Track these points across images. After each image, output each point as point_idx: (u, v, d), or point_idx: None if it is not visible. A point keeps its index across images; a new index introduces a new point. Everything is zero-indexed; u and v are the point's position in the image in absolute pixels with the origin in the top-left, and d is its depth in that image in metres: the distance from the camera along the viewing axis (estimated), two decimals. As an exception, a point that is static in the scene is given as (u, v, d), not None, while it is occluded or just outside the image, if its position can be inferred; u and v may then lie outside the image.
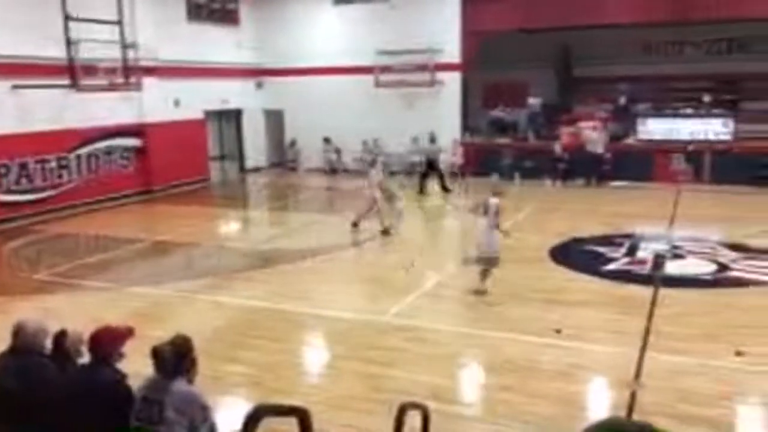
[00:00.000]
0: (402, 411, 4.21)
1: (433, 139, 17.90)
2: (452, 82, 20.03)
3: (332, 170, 21.10)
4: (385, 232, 12.38)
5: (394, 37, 19.85)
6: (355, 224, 12.77)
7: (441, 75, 19.85)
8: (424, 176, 17.48)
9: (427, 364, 6.68)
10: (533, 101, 20.23)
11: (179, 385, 3.47)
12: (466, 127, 20.36)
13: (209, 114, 20.38)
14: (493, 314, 8.18)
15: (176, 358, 3.50)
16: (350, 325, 7.90)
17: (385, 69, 20.23)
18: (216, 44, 20.15)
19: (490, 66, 19.44)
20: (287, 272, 10.37)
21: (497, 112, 20.62)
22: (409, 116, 20.16)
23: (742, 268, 9.79)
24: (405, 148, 20.27)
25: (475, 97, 20.93)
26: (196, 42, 19.06)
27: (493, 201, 8.78)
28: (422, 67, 19.91)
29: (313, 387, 6.44)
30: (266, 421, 3.53)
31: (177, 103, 18.57)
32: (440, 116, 19.86)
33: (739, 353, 6.69)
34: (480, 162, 19.21)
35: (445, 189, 17.38)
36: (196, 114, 19.47)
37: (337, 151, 21.10)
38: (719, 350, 6.81)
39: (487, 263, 8.85)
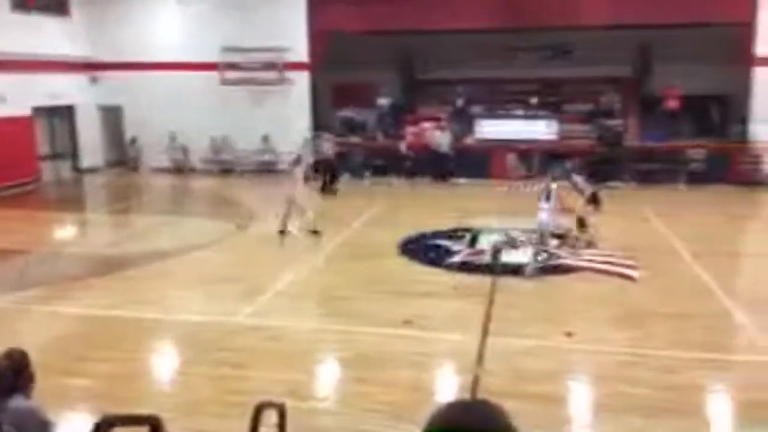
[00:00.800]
0: (258, 411, 4.21)
1: (317, 138, 17.71)
2: (301, 81, 20.07)
3: (178, 170, 20.34)
4: (315, 232, 12.05)
5: (240, 34, 19.51)
6: (281, 231, 12.09)
7: (290, 74, 19.82)
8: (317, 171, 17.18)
9: (283, 363, 6.71)
10: (383, 102, 20.78)
11: (17, 401, 3.25)
12: (318, 126, 20.49)
13: (39, 110, 18.79)
14: (347, 309, 8.37)
15: (12, 374, 3.29)
16: (200, 328, 7.72)
17: (232, 66, 19.81)
18: (45, 36, 18.62)
19: (338, 66, 19.69)
20: (133, 277, 9.89)
21: (347, 112, 20.95)
22: (258, 115, 19.94)
23: (569, 255, 10.76)
24: (255, 146, 20.07)
25: (325, 96, 21.10)
26: (21, 33, 17.50)
27: (554, 186, 10.46)
28: (270, 66, 19.76)
29: (163, 395, 6.24)
30: (117, 432, 3.40)
31: (2, 99, 16.97)
32: (290, 115, 19.84)
33: (568, 334, 7.39)
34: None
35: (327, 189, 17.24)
36: (23, 110, 17.89)
37: (184, 150, 20.38)
38: (551, 332, 7.48)
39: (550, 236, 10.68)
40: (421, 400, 5.77)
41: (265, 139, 20.17)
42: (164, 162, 20.46)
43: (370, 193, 16.82)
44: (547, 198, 10.48)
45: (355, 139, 20.07)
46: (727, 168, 17.64)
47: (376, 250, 11.13)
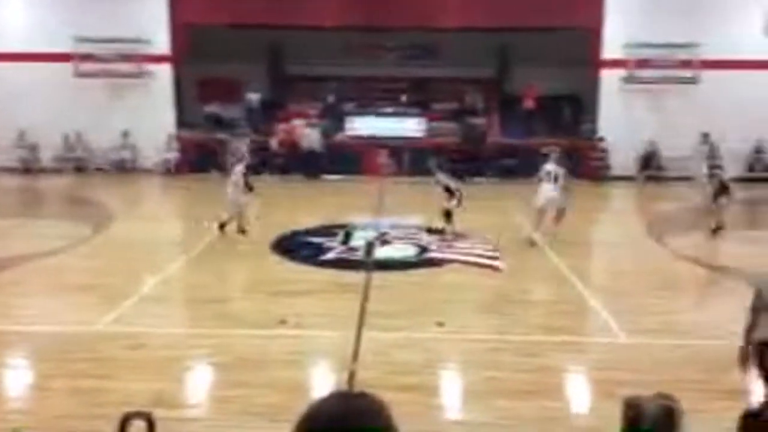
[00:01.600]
0: (123, 422, 3.97)
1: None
2: (163, 74, 19.21)
3: (27, 169, 18.80)
4: (243, 231, 11.54)
5: (96, 23, 18.29)
6: (242, 231, 11.54)
7: (151, 67, 18.91)
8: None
9: (150, 371, 6.38)
10: (252, 97, 20.35)
11: None
12: (182, 122, 19.73)
13: None
14: (218, 311, 8.12)
15: None
16: (58, 339, 7.16)
17: (87, 57, 18.56)
18: None
19: (204, 60, 19.06)
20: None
21: (213, 108, 20.31)
22: (117, 109, 18.84)
23: (438, 249, 11.11)
24: (113, 143, 19.00)
25: (190, 91, 20.34)
26: None
27: (561, 170, 11.56)
28: (128, 57, 18.74)
29: (19, 412, 5.73)
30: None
31: None
32: (152, 110, 18.93)
33: (439, 324, 7.62)
34: (198, 158, 18.80)
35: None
36: None
37: (33, 148, 18.86)
38: (424, 324, 7.67)
39: (562, 213, 11.61)
40: (299, 399, 5.71)
41: (125, 134, 19.12)
42: (11, 161, 18.80)
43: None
44: (555, 180, 11.60)
45: (222, 136, 19.53)
46: (579, 164, 18.99)
47: (248, 249, 10.89)
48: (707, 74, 18.12)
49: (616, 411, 2.99)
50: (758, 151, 18.86)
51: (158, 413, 4.60)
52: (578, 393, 6.47)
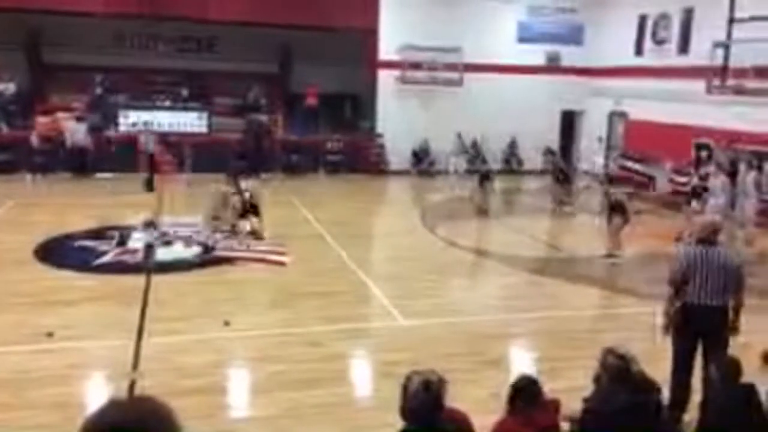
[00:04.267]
0: None
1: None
2: None
3: None
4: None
5: None
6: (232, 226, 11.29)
7: None
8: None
9: None
10: (4, 87, 18.15)
11: None
12: None
13: None
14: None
15: None
16: None
17: None
18: None
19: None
20: None
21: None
22: None
23: (223, 247, 10.92)
24: None
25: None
26: None
27: None
28: None
29: None
30: None
31: None
32: None
33: (227, 323, 7.52)
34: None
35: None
36: None
37: None
38: (210, 324, 7.52)
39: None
40: (72, 415, 5.29)
41: None
42: None
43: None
44: None
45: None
46: (358, 158, 19.84)
47: (6, 257, 9.78)
48: (468, 76, 19.94)
49: (395, 390, 3.24)
50: (512, 147, 21.16)
51: None
52: (360, 377, 6.82)
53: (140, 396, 1.67)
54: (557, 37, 21.20)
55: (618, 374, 3.88)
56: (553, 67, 21.15)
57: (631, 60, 19.29)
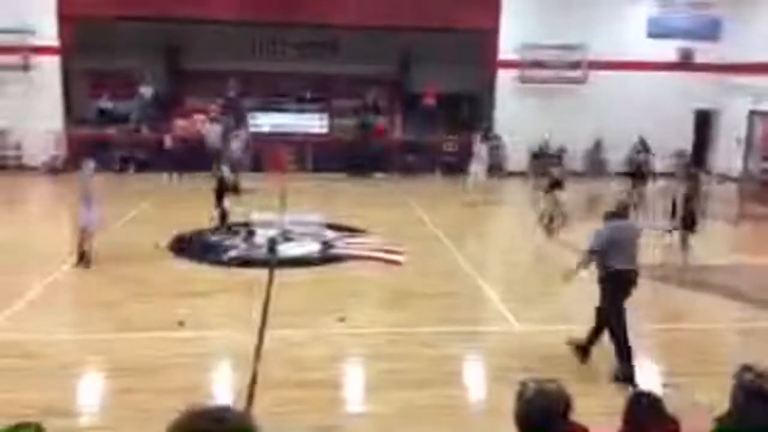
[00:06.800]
0: (11, 434, 3.80)
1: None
2: (51, 67, 18.16)
3: None
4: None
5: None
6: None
7: (38, 59, 17.85)
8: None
9: (39, 380, 6.08)
10: (145, 91, 19.61)
11: None
12: (73, 117, 18.78)
13: None
14: (112, 315, 7.82)
15: None
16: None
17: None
18: None
19: (94, 53, 18.20)
20: None
21: (105, 102, 19.42)
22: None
23: (341, 245, 11.19)
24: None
25: (80, 85, 19.36)
26: None
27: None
28: (12, 49, 17.60)
29: None
30: None
31: None
32: (37, 104, 17.87)
33: (342, 319, 7.70)
34: (89, 154, 17.85)
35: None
36: None
37: None
38: (326, 320, 7.73)
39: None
40: (198, 401, 5.61)
41: (4, 133, 18.02)
42: None
43: (134, 189, 15.82)
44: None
45: (112, 131, 18.74)
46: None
47: (143, 251, 10.53)
48: (593, 74, 19.21)
49: (507, 395, 3.16)
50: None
51: (49, 423, 4.45)
52: (472, 380, 6.73)
53: (224, 405, 1.75)
54: (690, 32, 19.94)
55: (756, 393, 3.57)
56: (685, 63, 19.92)
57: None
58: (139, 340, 7.07)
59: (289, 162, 17.36)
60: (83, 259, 9.59)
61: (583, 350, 6.59)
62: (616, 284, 6.32)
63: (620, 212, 6.65)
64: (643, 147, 18.06)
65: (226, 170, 12.33)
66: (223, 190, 11.94)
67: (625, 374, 6.17)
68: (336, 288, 9.12)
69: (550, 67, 19.38)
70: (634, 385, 5.78)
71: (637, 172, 14.78)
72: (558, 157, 13.71)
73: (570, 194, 13.15)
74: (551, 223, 12.35)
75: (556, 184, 12.69)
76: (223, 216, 11.83)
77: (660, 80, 19.57)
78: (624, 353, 6.24)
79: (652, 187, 15.11)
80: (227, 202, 11.90)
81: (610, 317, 6.34)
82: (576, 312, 8.52)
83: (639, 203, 14.22)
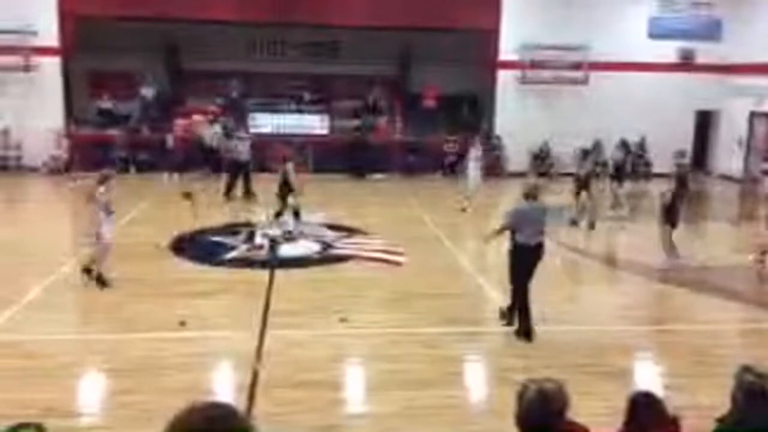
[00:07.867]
0: (11, 434, 3.80)
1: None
2: (52, 67, 18.17)
3: None
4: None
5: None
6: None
7: (38, 59, 17.85)
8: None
9: (37, 380, 6.07)
10: (146, 92, 19.62)
11: None
12: (74, 118, 18.78)
13: None
14: (111, 315, 7.82)
15: None
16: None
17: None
18: None
19: (95, 53, 18.20)
20: None
21: (105, 103, 19.43)
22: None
23: (341, 246, 11.19)
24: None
25: (80, 85, 19.36)
26: None
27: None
28: (12, 50, 17.60)
29: None
30: None
31: None
32: (37, 105, 17.88)
33: (343, 320, 7.70)
34: (89, 155, 17.90)
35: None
36: None
37: None
38: (327, 320, 7.73)
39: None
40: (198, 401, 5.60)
41: (5, 133, 18.00)
42: None
43: (135, 190, 15.80)
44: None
45: (113, 132, 18.73)
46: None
47: (144, 249, 10.53)
48: (594, 75, 19.20)
49: (510, 396, 3.16)
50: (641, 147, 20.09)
51: (50, 423, 4.45)
52: (475, 381, 6.73)
53: (220, 402, 1.76)
54: (691, 33, 19.94)
55: (756, 394, 3.57)
56: (686, 64, 19.92)
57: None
58: (139, 341, 7.06)
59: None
60: (100, 279, 8.74)
61: (508, 312, 7.65)
62: (520, 255, 7.30)
63: (532, 193, 7.51)
64: (624, 147, 18.02)
65: (290, 168, 12.11)
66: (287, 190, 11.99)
67: (508, 320, 7.57)
68: (336, 288, 9.11)
69: (551, 67, 19.38)
70: (508, 324, 7.53)
71: (615, 173, 14.77)
72: (585, 154, 13.87)
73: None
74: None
75: (584, 186, 13.20)
76: (297, 212, 12.03)
77: (661, 81, 19.58)
78: (515, 307, 7.43)
79: (628, 186, 15.38)
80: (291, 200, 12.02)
81: (514, 279, 7.41)
82: (576, 312, 8.55)
83: (615, 203, 14.30)
